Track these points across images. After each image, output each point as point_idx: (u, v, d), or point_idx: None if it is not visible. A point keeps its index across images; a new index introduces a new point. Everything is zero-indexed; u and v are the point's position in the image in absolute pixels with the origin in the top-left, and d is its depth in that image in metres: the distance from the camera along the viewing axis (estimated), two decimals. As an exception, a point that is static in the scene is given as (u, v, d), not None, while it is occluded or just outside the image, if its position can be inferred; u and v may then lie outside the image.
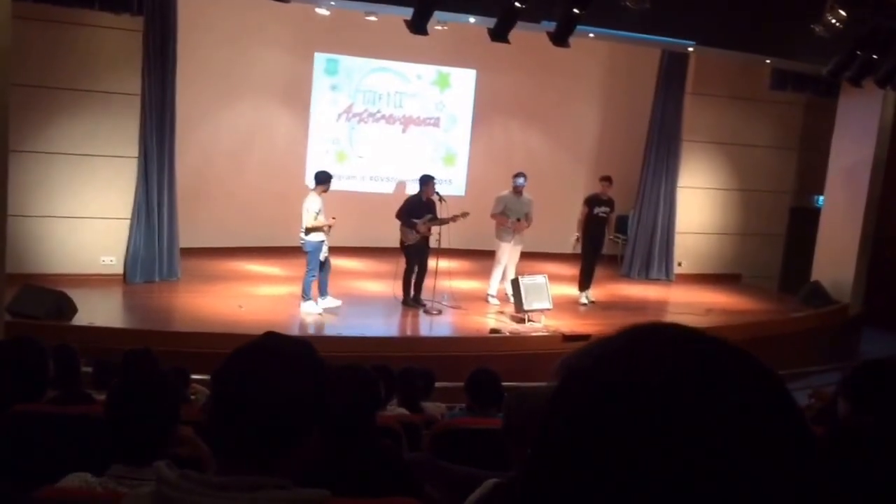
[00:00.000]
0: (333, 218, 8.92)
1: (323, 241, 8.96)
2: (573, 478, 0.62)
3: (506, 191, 10.17)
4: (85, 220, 9.77)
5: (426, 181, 9.69)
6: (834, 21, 9.19)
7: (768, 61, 11.37)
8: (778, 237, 13.60)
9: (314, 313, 9.16)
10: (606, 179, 10.57)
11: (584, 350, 0.68)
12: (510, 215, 10.00)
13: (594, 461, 0.61)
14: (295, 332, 8.62)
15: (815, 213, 12.73)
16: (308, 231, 8.88)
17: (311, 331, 8.83)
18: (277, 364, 1.39)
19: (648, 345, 0.66)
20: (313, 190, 9.08)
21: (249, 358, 1.40)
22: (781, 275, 13.45)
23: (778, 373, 0.66)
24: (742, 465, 0.60)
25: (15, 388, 3.21)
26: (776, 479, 0.60)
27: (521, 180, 9.99)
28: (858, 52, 9.91)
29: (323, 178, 9.07)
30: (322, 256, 9.01)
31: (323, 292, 9.26)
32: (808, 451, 0.63)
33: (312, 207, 8.83)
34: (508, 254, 10.13)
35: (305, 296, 9.15)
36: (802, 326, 10.98)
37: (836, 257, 11.97)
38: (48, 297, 8.20)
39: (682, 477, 0.59)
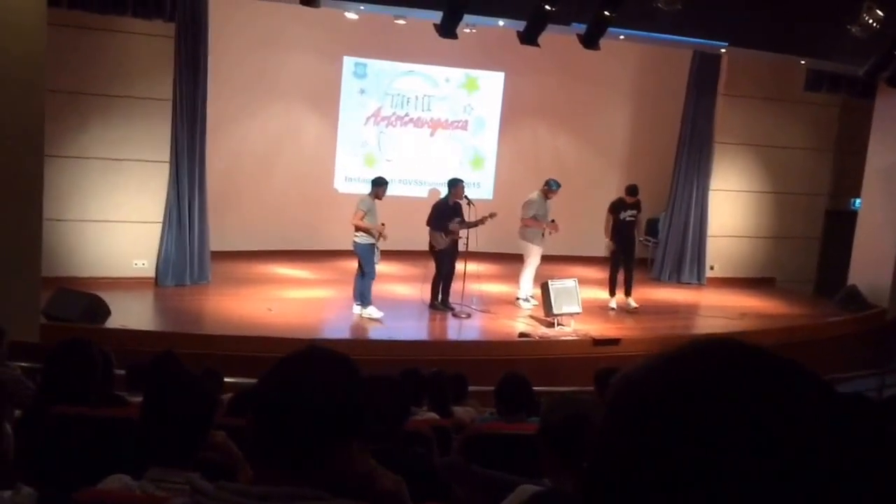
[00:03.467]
0: (382, 224, 8.94)
1: (373, 245, 8.98)
2: (630, 487, 0.64)
3: (534, 194, 10.14)
4: (117, 224, 9.88)
5: (455, 184, 9.69)
6: (870, 21, 9.02)
7: (803, 62, 11.18)
8: (813, 240, 13.37)
9: (356, 315, 9.15)
10: (630, 192, 10.40)
11: (643, 362, 0.69)
12: (541, 219, 10.01)
13: (651, 471, 0.63)
14: (324, 335, 8.65)
15: (852, 215, 12.49)
16: (357, 230, 8.96)
17: (340, 334, 8.84)
18: (320, 376, 1.40)
19: (710, 357, 0.67)
20: (368, 194, 9.16)
21: (292, 368, 1.42)
22: (817, 279, 13.21)
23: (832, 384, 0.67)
24: (797, 475, 0.60)
25: (66, 388, 3.27)
26: (831, 491, 0.61)
27: (555, 185, 10.03)
28: (896, 52, 9.72)
29: (375, 183, 9.16)
30: (376, 259, 9.02)
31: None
32: (865, 464, 0.63)
33: (361, 206, 8.95)
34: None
35: (364, 300, 9.10)
36: (839, 331, 10.77)
37: (873, 261, 11.73)
38: (82, 301, 8.30)
39: (738, 488, 0.60)
